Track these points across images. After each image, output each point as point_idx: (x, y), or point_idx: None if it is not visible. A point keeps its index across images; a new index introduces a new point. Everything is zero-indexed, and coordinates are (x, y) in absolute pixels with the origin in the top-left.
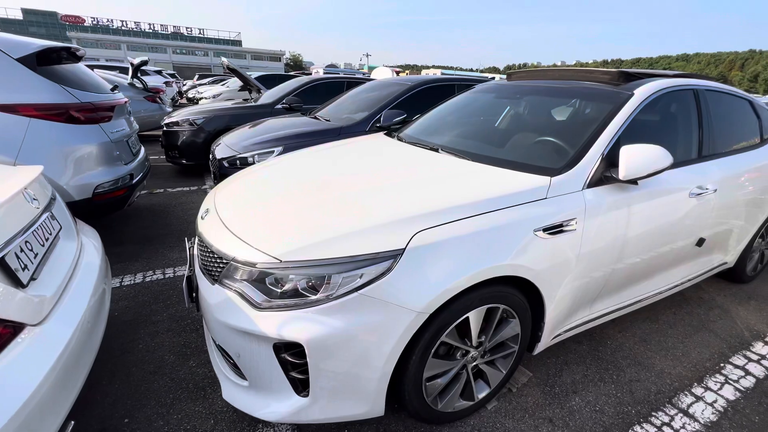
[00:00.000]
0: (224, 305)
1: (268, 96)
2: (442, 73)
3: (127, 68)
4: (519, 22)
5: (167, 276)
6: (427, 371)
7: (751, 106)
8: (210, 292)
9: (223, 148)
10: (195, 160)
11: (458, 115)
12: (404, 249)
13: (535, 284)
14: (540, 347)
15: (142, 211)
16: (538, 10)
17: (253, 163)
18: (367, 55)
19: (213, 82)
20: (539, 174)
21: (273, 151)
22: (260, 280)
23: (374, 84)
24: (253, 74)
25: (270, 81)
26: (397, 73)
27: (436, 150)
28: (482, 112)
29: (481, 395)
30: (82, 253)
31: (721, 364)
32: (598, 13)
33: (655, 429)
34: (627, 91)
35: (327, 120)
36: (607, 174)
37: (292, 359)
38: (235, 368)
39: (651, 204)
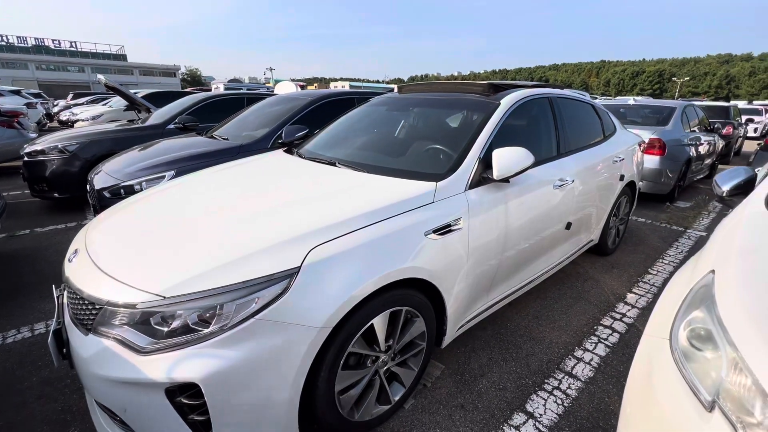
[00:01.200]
0: (101, 356)
1: (158, 116)
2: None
3: None
4: (419, 35)
5: (36, 332)
6: (338, 384)
7: (594, 109)
8: (83, 345)
9: (103, 177)
10: (70, 193)
11: (355, 128)
12: (299, 267)
13: (433, 283)
14: (447, 340)
15: (2, 258)
16: (437, 25)
17: (141, 190)
18: (271, 69)
19: (92, 102)
20: (426, 180)
21: (164, 176)
22: (143, 322)
23: (275, 99)
24: (142, 92)
25: (163, 99)
26: (302, 86)
27: (333, 164)
28: (377, 124)
29: (397, 396)
30: None
31: (594, 327)
32: (486, 28)
33: (547, 394)
34: (495, 100)
35: (225, 139)
36: (484, 175)
37: (189, 401)
38: (123, 425)
39: (524, 198)
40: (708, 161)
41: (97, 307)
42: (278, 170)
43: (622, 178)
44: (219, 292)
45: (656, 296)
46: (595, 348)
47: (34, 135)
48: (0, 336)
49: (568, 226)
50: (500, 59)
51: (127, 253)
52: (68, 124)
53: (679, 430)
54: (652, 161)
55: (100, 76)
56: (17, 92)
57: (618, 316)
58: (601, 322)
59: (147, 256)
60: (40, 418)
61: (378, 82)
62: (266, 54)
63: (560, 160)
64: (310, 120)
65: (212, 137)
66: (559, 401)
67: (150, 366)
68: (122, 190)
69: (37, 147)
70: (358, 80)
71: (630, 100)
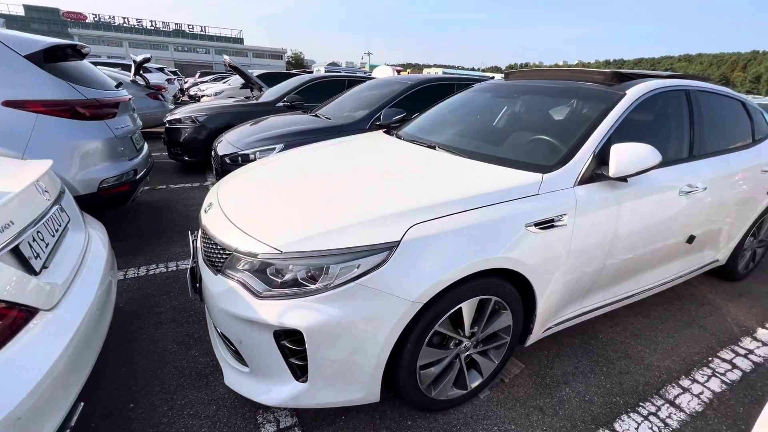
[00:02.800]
0: (227, 294)
1: (269, 94)
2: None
3: (130, 65)
4: (521, 23)
5: (170, 269)
6: (420, 359)
7: (744, 107)
8: (213, 282)
9: (225, 145)
10: (197, 157)
11: (456, 113)
12: (400, 241)
13: (527, 277)
14: (531, 339)
15: (146, 206)
16: (541, 11)
17: (255, 159)
18: (369, 54)
19: (215, 80)
20: (532, 171)
21: (274, 148)
22: (261, 270)
23: (374, 83)
24: (255, 72)
25: (271, 79)
26: (398, 71)
27: (433, 147)
28: (479, 111)
29: (474, 384)
30: (90, 244)
31: (709, 358)
32: (600, 13)
33: (642, 418)
34: (620, 91)
35: (328, 118)
36: (597, 171)
37: (291, 346)
38: (237, 355)
39: (641, 201)
40: None
41: (226, 252)
42: (380, 149)
43: None
44: (326, 254)
45: None
46: (707, 381)
47: (172, 107)
48: (145, 268)
49: (691, 239)
50: (615, 48)
51: (253, 211)
52: (196, 98)
53: None
54: None
55: (226, 57)
56: (161, 69)
57: (742, 352)
58: (719, 354)
59: (269, 214)
60: (171, 337)
61: (473, 69)
62: (364, 39)
63: (692, 163)
64: (407, 104)
65: (316, 116)
66: (656, 428)
67: (263, 309)
68: (240, 158)
69: (176, 116)
70: (453, 67)
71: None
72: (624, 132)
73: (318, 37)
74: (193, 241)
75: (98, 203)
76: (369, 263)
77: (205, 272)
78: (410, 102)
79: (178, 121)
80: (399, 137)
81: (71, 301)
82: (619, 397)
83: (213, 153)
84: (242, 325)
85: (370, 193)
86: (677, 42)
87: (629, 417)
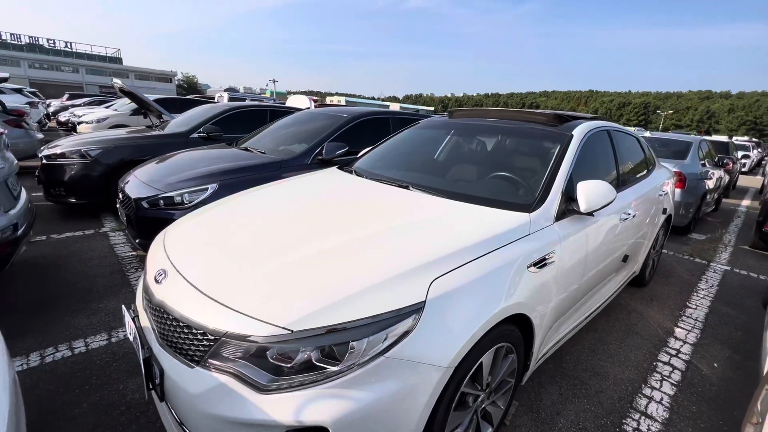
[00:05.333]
0: (214, 393)
1: (178, 123)
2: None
3: None
4: (414, 57)
5: (77, 351)
6: (448, 427)
7: (638, 142)
8: (189, 379)
9: (139, 186)
10: (88, 199)
11: (412, 150)
12: (425, 301)
13: (531, 318)
14: (527, 376)
15: (24, 266)
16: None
17: (182, 202)
18: (274, 81)
19: (90, 103)
20: (516, 210)
21: (207, 189)
22: (262, 356)
23: (305, 115)
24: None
25: (170, 106)
26: (316, 101)
27: (406, 187)
28: (437, 147)
29: None
30: None
31: (654, 363)
32: (480, 53)
33: None
34: (566, 132)
35: (261, 152)
36: (569, 207)
37: None
38: None
39: (598, 230)
40: (715, 195)
41: (209, 338)
42: (349, 190)
43: (664, 211)
44: (350, 327)
45: (703, 332)
46: (661, 386)
47: (40, 135)
48: (38, 354)
49: (625, 258)
50: (492, 83)
51: (231, 276)
52: (69, 126)
53: None
54: (675, 194)
55: (116, 80)
56: (19, 90)
57: (673, 352)
58: (659, 358)
59: (257, 281)
60: None
61: (373, 98)
62: (259, 65)
63: (621, 193)
64: (347, 138)
65: (246, 149)
66: None
67: (272, 406)
68: (161, 201)
69: (57, 150)
70: (355, 96)
71: (645, 133)
72: (577, 169)
73: (210, 61)
74: (133, 319)
75: None
76: (397, 332)
77: (171, 365)
78: (350, 136)
79: (61, 156)
80: (359, 175)
81: None
82: (605, 418)
83: (120, 195)
84: (240, 431)
85: (369, 244)
86: (537, 80)
87: None
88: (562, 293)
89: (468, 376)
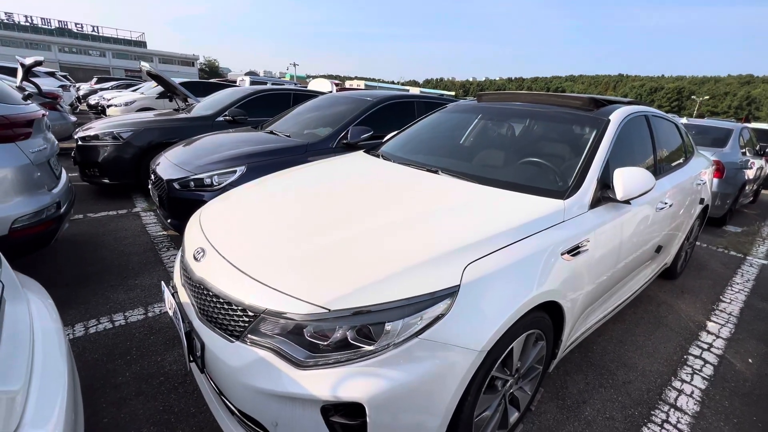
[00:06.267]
0: (254, 367)
1: (204, 107)
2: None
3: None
4: (435, 38)
5: (117, 324)
6: (477, 409)
7: (677, 129)
8: (229, 353)
9: (170, 167)
10: (120, 180)
11: (439, 134)
12: (459, 285)
13: (562, 305)
14: (554, 363)
15: (63, 243)
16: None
17: (212, 184)
18: (295, 65)
19: (118, 87)
20: (550, 197)
21: (235, 171)
22: (299, 333)
23: (329, 99)
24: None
25: (195, 89)
26: (337, 85)
27: (435, 172)
28: (465, 131)
29: (513, 420)
30: (33, 318)
31: (684, 357)
32: (504, 36)
33: (659, 428)
34: (603, 116)
35: (287, 136)
36: (604, 195)
37: (344, 421)
38: None
39: (633, 219)
40: (754, 186)
41: (249, 314)
42: (380, 175)
43: (701, 201)
44: (386, 308)
45: (737, 327)
46: (692, 380)
47: (73, 118)
48: (82, 326)
49: (658, 249)
50: (515, 67)
51: (268, 256)
52: (99, 109)
53: None
54: (712, 183)
55: (144, 64)
56: (52, 74)
57: (705, 346)
58: (690, 351)
59: (293, 260)
60: (143, 417)
61: (393, 83)
62: (279, 48)
63: (659, 181)
64: (372, 122)
65: (272, 133)
66: None
67: (309, 381)
68: (192, 183)
69: (91, 132)
70: (374, 80)
71: (684, 119)
72: (614, 155)
73: (231, 45)
74: (173, 295)
75: (11, 249)
76: (431, 314)
77: (212, 339)
78: (374, 120)
79: (95, 137)
80: (387, 159)
81: (39, 415)
82: (633, 408)
83: (152, 177)
84: (280, 404)
85: (404, 228)
86: (562, 64)
87: (648, 429)
88: (594, 282)
89: (499, 361)
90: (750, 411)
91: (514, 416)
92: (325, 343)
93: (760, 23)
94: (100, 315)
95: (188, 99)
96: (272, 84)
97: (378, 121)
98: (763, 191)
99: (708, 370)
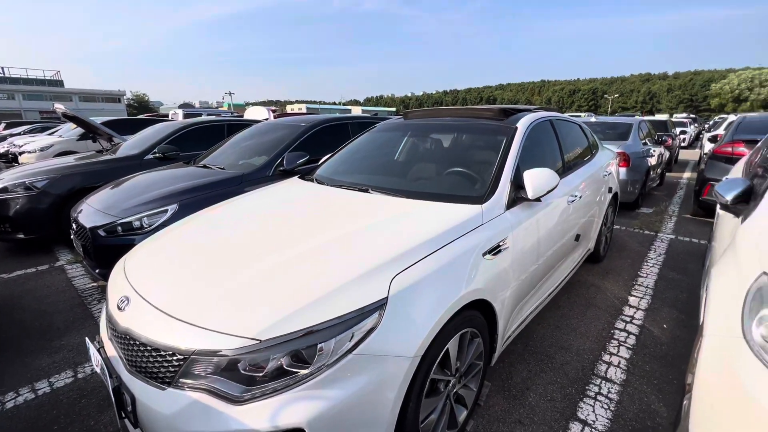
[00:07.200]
0: (189, 411)
1: (131, 146)
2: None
3: None
4: (371, 59)
5: (41, 392)
6: (421, 414)
7: (581, 129)
8: (161, 401)
9: (93, 214)
10: (38, 233)
11: (371, 153)
12: (387, 297)
13: (491, 302)
14: (495, 357)
15: None
16: (387, 48)
17: (142, 227)
18: (230, 94)
19: (31, 131)
20: (470, 203)
21: (167, 210)
22: (233, 368)
23: (264, 126)
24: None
25: (121, 127)
26: (274, 111)
27: (366, 190)
28: (394, 149)
29: (462, 418)
30: None
31: (612, 331)
32: (436, 51)
33: (593, 400)
34: (511, 124)
35: (221, 168)
36: (518, 195)
37: None
38: None
39: (548, 214)
40: (659, 171)
41: (179, 357)
42: (311, 199)
43: (610, 190)
44: (317, 329)
45: (653, 297)
46: (618, 351)
47: None
48: None
49: (577, 237)
50: (451, 80)
51: (195, 295)
52: (10, 157)
53: None
54: (620, 173)
55: (57, 105)
56: None
57: (628, 319)
58: (616, 326)
59: (221, 295)
60: None
61: (335, 103)
62: (216, 78)
63: (567, 177)
64: (307, 147)
65: (205, 167)
66: (605, 406)
67: (248, 415)
68: (119, 228)
69: None
70: (315, 102)
71: (592, 117)
72: (523, 159)
73: (161, 77)
74: (99, 351)
75: None
76: (363, 329)
77: (143, 390)
78: (310, 144)
79: (3, 190)
80: (321, 182)
81: None
82: (570, 387)
83: (74, 226)
84: None
85: (331, 250)
86: (492, 74)
87: (585, 403)
88: (520, 276)
89: (436, 363)
90: (667, 371)
91: (462, 415)
92: (261, 374)
93: (654, 27)
94: (19, 386)
95: (113, 139)
96: (208, 114)
97: (314, 145)
98: (667, 174)
99: (631, 341)
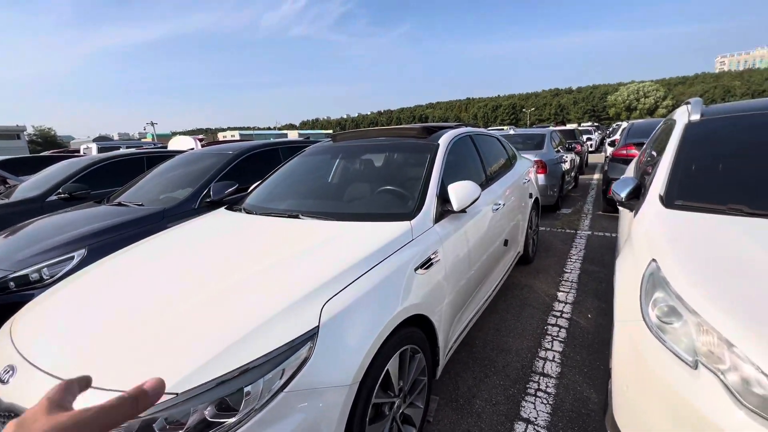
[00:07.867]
0: None
1: (30, 187)
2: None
3: None
4: (305, 82)
5: None
6: None
7: (499, 141)
8: None
9: None
10: None
11: (300, 178)
12: (318, 326)
13: (428, 316)
14: (440, 369)
15: None
16: (320, 72)
17: (41, 279)
18: (153, 124)
19: None
20: (399, 220)
21: (72, 257)
22: (147, 430)
23: (188, 156)
24: None
25: (18, 167)
26: (202, 140)
27: (296, 216)
28: (323, 173)
29: None
30: None
31: (545, 327)
32: (368, 75)
33: (533, 397)
34: (433, 141)
35: (139, 204)
36: (445, 209)
37: None
38: None
39: (476, 223)
40: (573, 174)
41: None
42: (239, 230)
43: (531, 195)
44: (242, 371)
45: (578, 290)
46: (552, 345)
47: None
48: None
49: (506, 242)
50: (384, 101)
51: (98, 352)
52: None
53: (677, 389)
54: (539, 179)
55: None
56: None
57: (558, 314)
58: (548, 322)
59: (131, 348)
60: None
61: (270, 128)
62: (138, 107)
63: (490, 187)
64: (237, 175)
65: (121, 204)
66: (545, 401)
67: None
68: (12, 283)
69: None
70: (249, 128)
71: (511, 130)
72: (447, 174)
73: (72, 109)
74: None
75: None
76: (294, 363)
77: None
78: (239, 173)
79: None
80: (250, 212)
81: None
82: (512, 387)
83: None
84: None
85: (256, 282)
86: (422, 94)
87: (526, 401)
88: (455, 286)
89: (377, 387)
90: (594, 358)
91: None
92: (182, 431)
93: (561, 47)
94: None
95: (7, 180)
96: (127, 147)
97: (243, 173)
98: (580, 177)
99: (563, 334)
